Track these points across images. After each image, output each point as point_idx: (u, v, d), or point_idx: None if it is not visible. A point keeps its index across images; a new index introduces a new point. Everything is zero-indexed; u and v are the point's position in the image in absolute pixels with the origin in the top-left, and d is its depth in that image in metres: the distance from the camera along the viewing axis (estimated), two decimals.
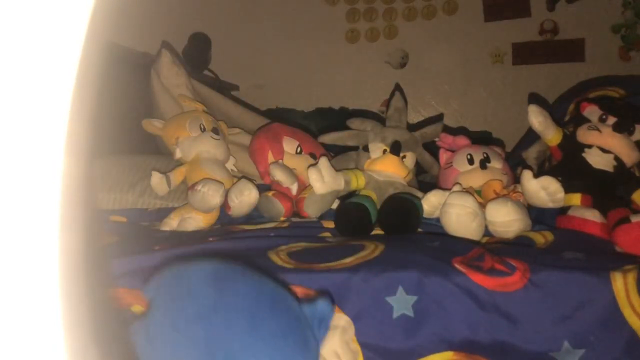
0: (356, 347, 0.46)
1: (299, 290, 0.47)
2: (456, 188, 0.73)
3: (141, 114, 0.97)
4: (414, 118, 1.74)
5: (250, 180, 0.81)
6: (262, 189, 0.82)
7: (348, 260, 0.52)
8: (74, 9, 0.20)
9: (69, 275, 0.21)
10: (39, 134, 0.20)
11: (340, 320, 0.46)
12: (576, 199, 0.71)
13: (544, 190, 0.68)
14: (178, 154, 0.85)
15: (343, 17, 1.78)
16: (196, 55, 1.53)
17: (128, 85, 1.05)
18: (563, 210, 0.71)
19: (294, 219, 0.77)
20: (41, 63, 0.20)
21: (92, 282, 0.24)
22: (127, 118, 1.01)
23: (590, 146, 0.74)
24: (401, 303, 0.48)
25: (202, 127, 0.87)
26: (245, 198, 0.74)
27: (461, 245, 0.58)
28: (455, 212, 0.65)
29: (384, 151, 0.82)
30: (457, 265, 0.50)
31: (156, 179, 0.80)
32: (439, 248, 0.56)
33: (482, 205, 0.68)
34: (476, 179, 0.77)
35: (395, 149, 0.80)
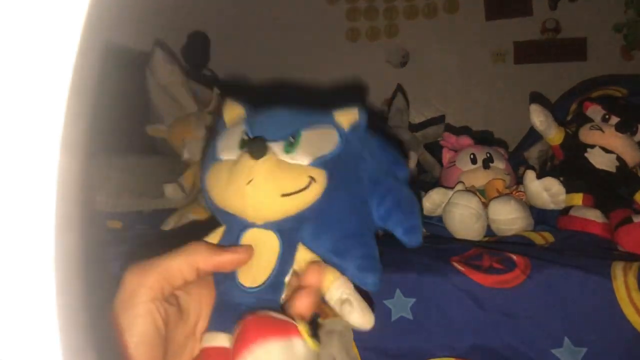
0: (355, 352, 0.46)
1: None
2: (459, 187, 0.73)
3: (139, 113, 0.97)
4: (414, 118, 1.73)
5: None
6: None
7: None
8: (71, 6, 0.20)
9: (65, 278, 0.20)
10: (34, 133, 0.20)
11: (338, 324, 0.45)
12: (578, 198, 0.70)
13: (546, 191, 0.68)
14: (186, 155, 0.86)
15: (343, 15, 1.77)
16: (195, 54, 1.53)
17: (126, 84, 1.05)
18: (565, 210, 0.70)
19: None
20: (37, 61, 0.19)
21: (90, 284, 0.23)
22: (125, 117, 1.01)
23: (592, 146, 0.73)
24: (399, 306, 0.48)
25: (207, 127, 0.88)
26: None
27: (459, 245, 0.57)
28: (458, 212, 0.64)
29: None
30: (455, 264, 0.50)
31: (170, 189, 0.82)
32: (436, 248, 0.56)
33: (485, 205, 0.67)
34: (479, 178, 0.77)
35: None
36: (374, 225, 0.34)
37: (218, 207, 0.33)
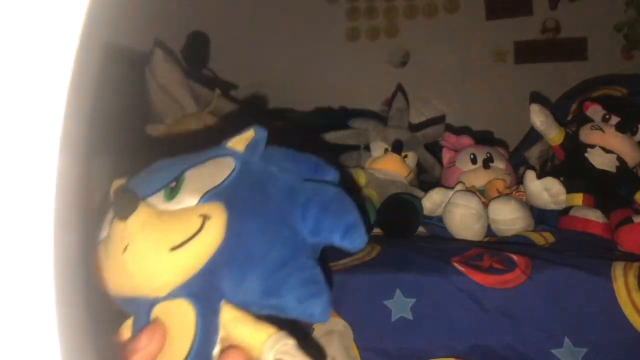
0: (355, 353, 0.46)
1: None
2: (459, 187, 0.73)
3: (139, 114, 0.97)
4: (414, 117, 1.73)
5: None
6: None
7: (344, 262, 0.52)
8: (70, 6, 0.20)
9: (65, 278, 0.20)
10: (34, 133, 0.20)
11: (338, 325, 0.45)
12: (578, 199, 0.70)
13: (546, 191, 0.68)
14: None
15: (343, 15, 1.77)
16: (194, 54, 1.53)
17: (125, 84, 1.05)
18: (565, 210, 0.70)
19: None
20: (37, 61, 0.19)
21: (89, 285, 0.23)
22: (124, 117, 1.01)
23: (593, 146, 0.73)
24: (399, 306, 0.48)
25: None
26: None
27: (459, 245, 0.57)
28: (459, 212, 0.64)
29: (386, 150, 0.82)
30: (455, 264, 0.50)
31: None
32: (436, 248, 0.56)
33: (485, 205, 0.67)
34: (479, 178, 0.77)
35: (397, 147, 0.80)
36: (307, 245, 0.28)
37: (114, 296, 0.27)
